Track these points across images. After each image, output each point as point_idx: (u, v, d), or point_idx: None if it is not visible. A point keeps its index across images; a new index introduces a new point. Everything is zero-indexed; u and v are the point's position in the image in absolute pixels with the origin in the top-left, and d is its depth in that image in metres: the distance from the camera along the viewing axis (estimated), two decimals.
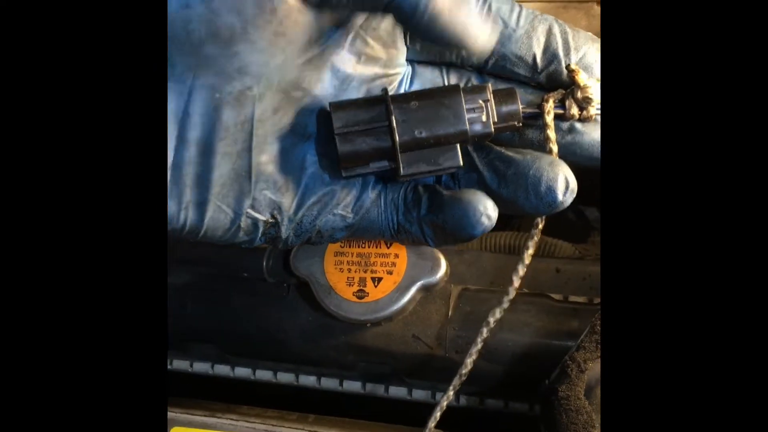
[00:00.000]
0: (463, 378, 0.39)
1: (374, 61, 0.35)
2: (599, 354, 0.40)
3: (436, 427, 0.46)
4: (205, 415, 0.45)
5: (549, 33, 0.34)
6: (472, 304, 0.46)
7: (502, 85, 0.36)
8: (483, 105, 0.33)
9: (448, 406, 0.48)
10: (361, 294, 0.44)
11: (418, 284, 0.44)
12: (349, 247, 0.45)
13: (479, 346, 0.39)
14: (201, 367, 0.52)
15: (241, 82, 0.32)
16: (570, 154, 0.35)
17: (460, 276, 0.49)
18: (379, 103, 0.33)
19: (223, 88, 0.32)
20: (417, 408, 0.49)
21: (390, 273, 0.44)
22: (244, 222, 0.35)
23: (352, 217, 0.37)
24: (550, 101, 0.34)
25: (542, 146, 0.36)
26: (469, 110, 0.33)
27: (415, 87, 0.36)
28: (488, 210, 0.33)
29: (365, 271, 0.45)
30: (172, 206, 0.33)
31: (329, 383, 0.50)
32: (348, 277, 0.45)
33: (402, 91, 0.36)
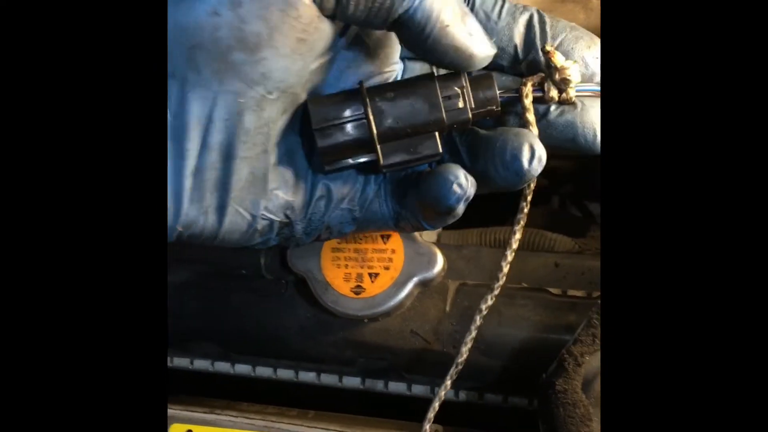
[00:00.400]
0: (459, 367, 0.40)
1: (371, 61, 0.36)
2: (596, 348, 0.40)
3: (437, 421, 0.46)
4: (204, 412, 0.46)
5: (529, 23, 0.35)
6: (470, 299, 0.46)
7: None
8: (459, 91, 0.33)
9: (448, 401, 0.49)
10: (358, 290, 0.44)
11: (415, 279, 0.44)
12: (346, 243, 0.45)
13: (473, 334, 0.39)
14: (201, 364, 0.52)
15: (264, 87, 0.32)
16: (547, 137, 0.35)
17: (459, 271, 0.49)
18: (356, 96, 0.34)
19: (247, 93, 0.32)
20: (416, 403, 0.49)
21: (387, 268, 0.44)
22: (260, 224, 0.36)
23: (358, 210, 0.38)
24: (528, 84, 0.34)
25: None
26: (444, 98, 0.33)
27: None
28: (459, 178, 0.34)
29: (362, 267, 0.45)
30: (191, 211, 0.34)
31: (329, 379, 0.50)
32: (345, 273, 0.45)
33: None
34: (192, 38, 0.31)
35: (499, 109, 0.35)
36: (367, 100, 0.33)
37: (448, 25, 0.32)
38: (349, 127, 0.33)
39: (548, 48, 0.33)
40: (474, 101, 0.34)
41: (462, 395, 0.48)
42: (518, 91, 0.34)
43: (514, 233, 0.38)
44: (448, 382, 0.39)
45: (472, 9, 0.35)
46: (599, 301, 0.41)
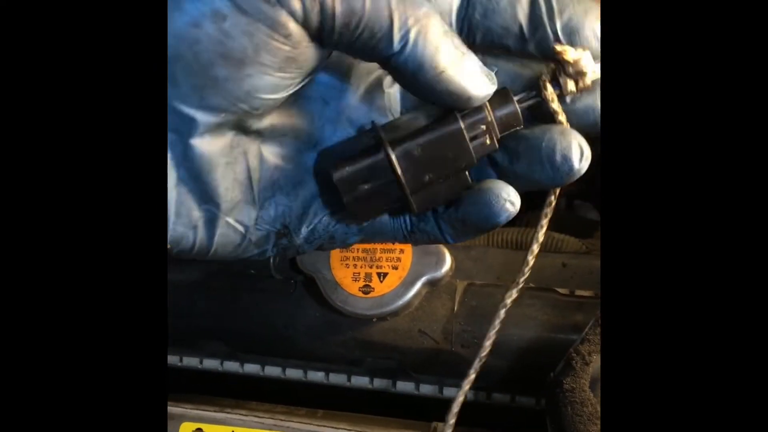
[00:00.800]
0: (482, 361, 0.39)
1: (363, 66, 0.35)
2: None
3: (444, 420, 0.47)
4: (214, 411, 0.46)
5: (532, 0, 0.32)
6: (477, 298, 0.47)
7: (491, 59, 0.34)
8: (485, 128, 0.32)
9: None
10: (366, 289, 0.45)
11: (423, 279, 0.45)
12: None
13: (497, 326, 0.38)
14: (210, 363, 0.52)
15: (249, 104, 0.31)
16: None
17: (467, 272, 0.49)
18: (377, 150, 0.32)
19: (230, 109, 0.30)
20: (424, 402, 0.49)
21: (395, 268, 0.45)
22: (255, 235, 0.34)
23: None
24: (549, 87, 0.32)
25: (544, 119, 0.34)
26: (471, 138, 0.32)
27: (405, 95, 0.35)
28: (511, 196, 0.33)
29: (371, 267, 0.45)
30: (179, 226, 0.32)
31: (337, 379, 0.50)
32: (354, 273, 0.45)
33: (396, 83, 0.35)
34: (171, 50, 0.29)
35: (522, 126, 0.33)
36: (393, 158, 0.32)
37: (443, 71, 0.30)
38: (379, 188, 0.32)
39: (558, 48, 0.32)
40: (497, 123, 0.33)
41: (470, 395, 0.49)
42: (537, 94, 0.33)
43: (538, 232, 0.37)
44: (473, 376, 0.38)
45: None
46: None
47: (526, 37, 0.33)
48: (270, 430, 0.45)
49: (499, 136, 0.33)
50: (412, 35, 0.29)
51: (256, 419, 0.46)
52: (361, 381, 0.50)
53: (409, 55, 0.29)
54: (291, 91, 0.32)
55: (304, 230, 0.35)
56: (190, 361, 0.53)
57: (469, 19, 0.33)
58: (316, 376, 0.50)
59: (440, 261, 0.45)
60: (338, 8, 0.28)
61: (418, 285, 0.45)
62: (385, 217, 0.36)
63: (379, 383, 0.50)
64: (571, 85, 0.32)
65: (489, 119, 0.32)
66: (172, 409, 0.46)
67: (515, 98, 0.33)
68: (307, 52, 0.30)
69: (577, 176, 0.33)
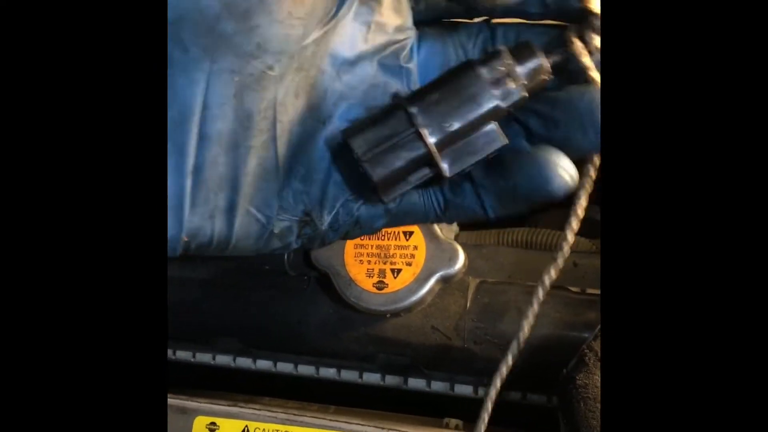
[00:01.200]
0: (511, 363, 0.38)
1: (383, 29, 0.32)
2: None
3: (456, 416, 0.47)
4: (228, 405, 0.46)
5: None
6: (490, 295, 0.47)
7: (511, 32, 0.33)
8: (505, 70, 0.30)
9: (466, 398, 0.49)
10: (380, 285, 0.45)
11: (437, 275, 0.45)
12: (369, 239, 0.46)
13: (532, 320, 0.37)
14: (223, 359, 0.53)
15: (262, 60, 0.28)
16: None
17: (479, 270, 0.49)
18: (396, 110, 0.30)
19: (244, 70, 0.28)
20: (436, 399, 0.49)
21: (409, 264, 0.45)
22: (278, 226, 0.32)
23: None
24: (576, 41, 0.31)
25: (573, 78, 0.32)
26: (492, 83, 0.30)
27: (423, 52, 0.33)
28: (567, 165, 0.31)
29: (385, 263, 0.45)
30: (195, 217, 0.29)
31: (349, 375, 0.50)
32: (368, 269, 0.45)
33: (414, 58, 0.33)
34: (174, 10, 0.27)
35: (552, 76, 0.32)
36: (411, 110, 0.30)
37: None
38: (400, 146, 0.30)
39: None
40: (524, 76, 0.31)
41: (481, 392, 0.49)
42: (565, 50, 0.31)
43: (567, 234, 0.35)
44: (504, 370, 0.37)
45: None
46: None
47: (547, 1, 0.31)
48: (283, 424, 0.45)
49: (525, 82, 0.31)
50: None
51: (269, 413, 0.46)
52: (372, 378, 0.50)
53: None
54: (304, 43, 0.29)
55: (326, 216, 0.33)
56: (203, 357, 0.53)
57: None
58: (328, 372, 0.51)
59: (454, 257, 0.45)
60: None
61: (432, 281, 0.45)
62: (415, 195, 0.34)
63: (390, 380, 0.50)
64: (597, 41, 0.31)
65: (510, 64, 0.30)
66: (186, 403, 0.47)
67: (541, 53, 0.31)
68: None
69: None
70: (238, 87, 0.28)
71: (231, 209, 0.30)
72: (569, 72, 0.32)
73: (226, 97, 0.28)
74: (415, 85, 0.34)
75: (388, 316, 0.46)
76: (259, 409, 0.46)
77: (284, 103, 0.31)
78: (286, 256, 0.49)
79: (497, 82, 0.30)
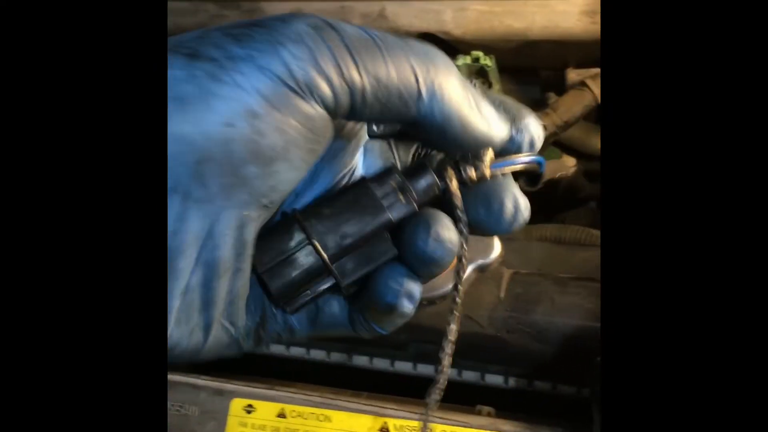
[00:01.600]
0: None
1: (345, 152, 0.34)
2: None
3: (488, 404, 0.48)
4: (264, 388, 0.47)
5: None
6: (523, 286, 0.48)
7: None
8: (395, 186, 0.32)
9: (497, 388, 0.50)
10: None
11: (474, 265, 0.46)
12: None
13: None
14: None
15: (269, 198, 0.30)
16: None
17: (510, 263, 0.50)
18: (292, 223, 0.31)
19: (252, 206, 0.30)
20: (466, 388, 0.50)
21: None
22: (242, 333, 0.33)
23: (315, 310, 0.34)
24: (450, 170, 0.32)
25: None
26: (384, 197, 0.32)
27: (367, 162, 0.34)
28: (408, 286, 0.33)
29: None
30: (176, 332, 0.30)
31: (381, 363, 0.51)
32: None
33: (360, 169, 0.34)
34: (200, 151, 0.28)
35: (442, 191, 0.33)
36: (306, 224, 0.31)
37: (467, 118, 0.30)
38: (296, 258, 0.31)
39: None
40: (415, 191, 0.32)
41: (512, 382, 0.50)
42: (443, 176, 0.32)
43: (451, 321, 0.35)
44: (452, 335, 0.36)
45: None
46: None
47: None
48: (318, 407, 0.46)
49: (416, 196, 0.32)
50: (436, 91, 0.29)
51: (304, 397, 0.47)
52: (404, 366, 0.51)
53: (436, 110, 0.29)
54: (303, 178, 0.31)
55: (272, 323, 0.34)
56: None
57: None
58: (360, 360, 0.52)
59: (489, 247, 0.46)
60: (366, 84, 0.28)
61: (469, 270, 0.46)
62: (335, 307, 0.35)
63: (422, 368, 0.51)
64: (471, 172, 0.32)
65: (400, 181, 0.32)
66: (223, 385, 0.48)
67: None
68: (326, 140, 0.30)
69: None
70: (242, 220, 0.30)
71: (209, 325, 0.31)
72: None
73: (230, 228, 0.30)
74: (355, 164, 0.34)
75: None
76: (295, 393, 0.47)
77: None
78: None
79: (388, 197, 0.32)
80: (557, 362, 0.47)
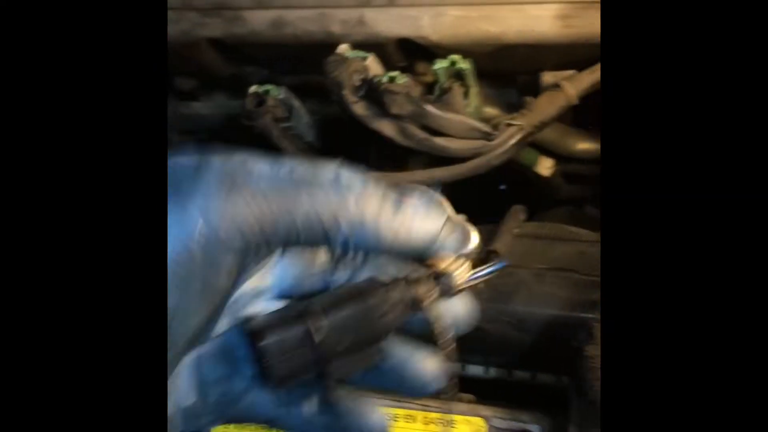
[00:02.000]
0: None
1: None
2: None
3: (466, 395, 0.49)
4: None
5: None
6: (501, 277, 0.49)
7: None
8: (398, 301, 0.32)
9: (477, 378, 0.51)
10: None
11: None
12: None
13: None
14: None
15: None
16: None
17: (488, 259, 0.51)
18: (303, 323, 0.31)
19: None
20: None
21: None
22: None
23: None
24: (420, 287, 0.33)
25: None
26: (392, 306, 0.32)
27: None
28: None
29: None
30: None
31: None
32: None
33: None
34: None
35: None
36: (321, 324, 0.31)
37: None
38: (301, 354, 0.31)
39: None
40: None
41: (492, 372, 0.51)
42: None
43: None
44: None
45: None
46: None
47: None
48: None
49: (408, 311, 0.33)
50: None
51: None
52: None
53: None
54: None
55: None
56: None
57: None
58: None
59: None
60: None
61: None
62: (256, 397, 0.34)
63: None
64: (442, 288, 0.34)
65: (408, 293, 0.32)
66: None
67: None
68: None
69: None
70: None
71: None
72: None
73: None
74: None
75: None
76: None
77: None
78: None
79: (386, 314, 0.32)
80: (536, 350, 0.48)
